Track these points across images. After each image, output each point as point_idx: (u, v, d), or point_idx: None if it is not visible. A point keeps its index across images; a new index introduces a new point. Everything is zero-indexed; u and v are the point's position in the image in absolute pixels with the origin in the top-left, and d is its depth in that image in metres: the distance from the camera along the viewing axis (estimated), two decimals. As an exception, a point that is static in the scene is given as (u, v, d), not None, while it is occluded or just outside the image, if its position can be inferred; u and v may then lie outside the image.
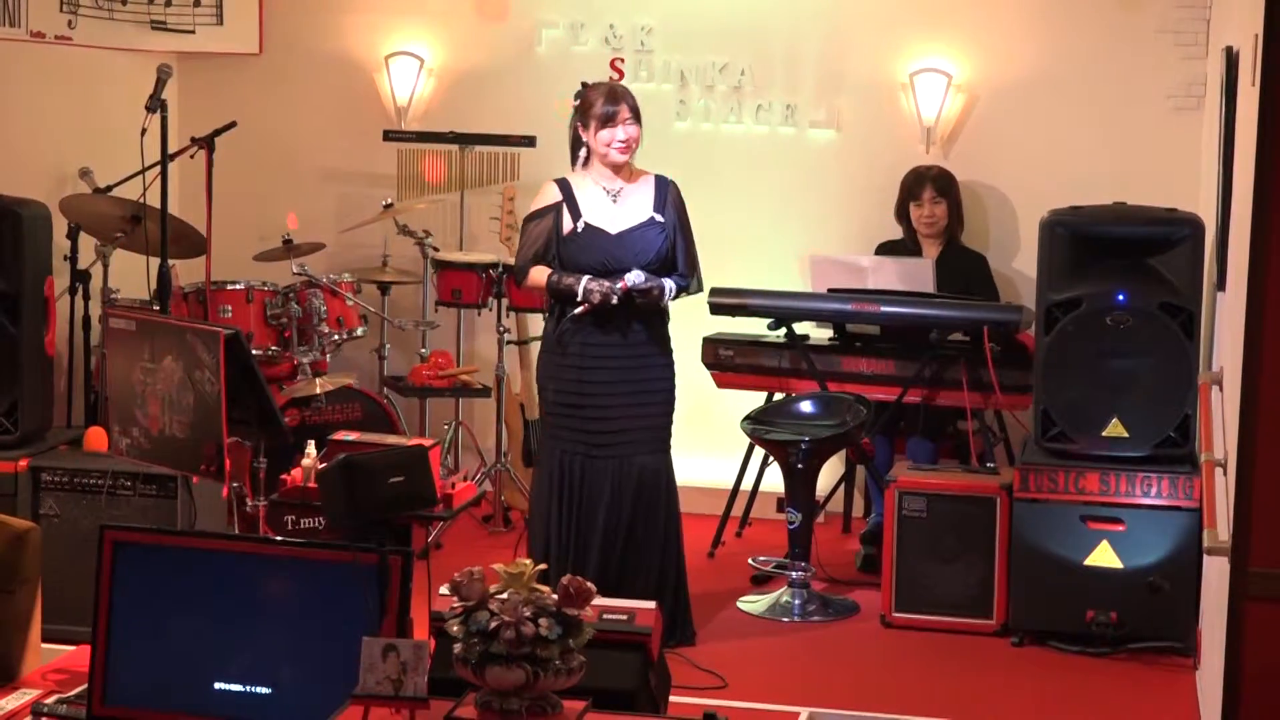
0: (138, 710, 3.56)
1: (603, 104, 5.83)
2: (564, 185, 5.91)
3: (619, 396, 5.85)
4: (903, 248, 7.33)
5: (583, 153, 5.91)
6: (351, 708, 3.27)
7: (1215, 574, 4.95)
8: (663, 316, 5.95)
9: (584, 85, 5.98)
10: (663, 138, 7.78)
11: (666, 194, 5.92)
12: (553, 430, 5.94)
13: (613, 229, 5.84)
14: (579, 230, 5.83)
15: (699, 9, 7.85)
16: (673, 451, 6.01)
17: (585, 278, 5.76)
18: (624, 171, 5.91)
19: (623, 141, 5.84)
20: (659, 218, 5.87)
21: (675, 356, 6.01)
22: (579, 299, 5.77)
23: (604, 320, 5.82)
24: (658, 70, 7.89)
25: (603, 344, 5.84)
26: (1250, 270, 3.78)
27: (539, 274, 5.87)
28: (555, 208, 5.86)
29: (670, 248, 5.89)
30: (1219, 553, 4.05)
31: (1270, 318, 3.77)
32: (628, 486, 5.84)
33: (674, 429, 6.02)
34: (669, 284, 5.84)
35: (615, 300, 5.74)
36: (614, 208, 5.87)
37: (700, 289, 6.08)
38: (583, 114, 5.88)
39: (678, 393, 6.01)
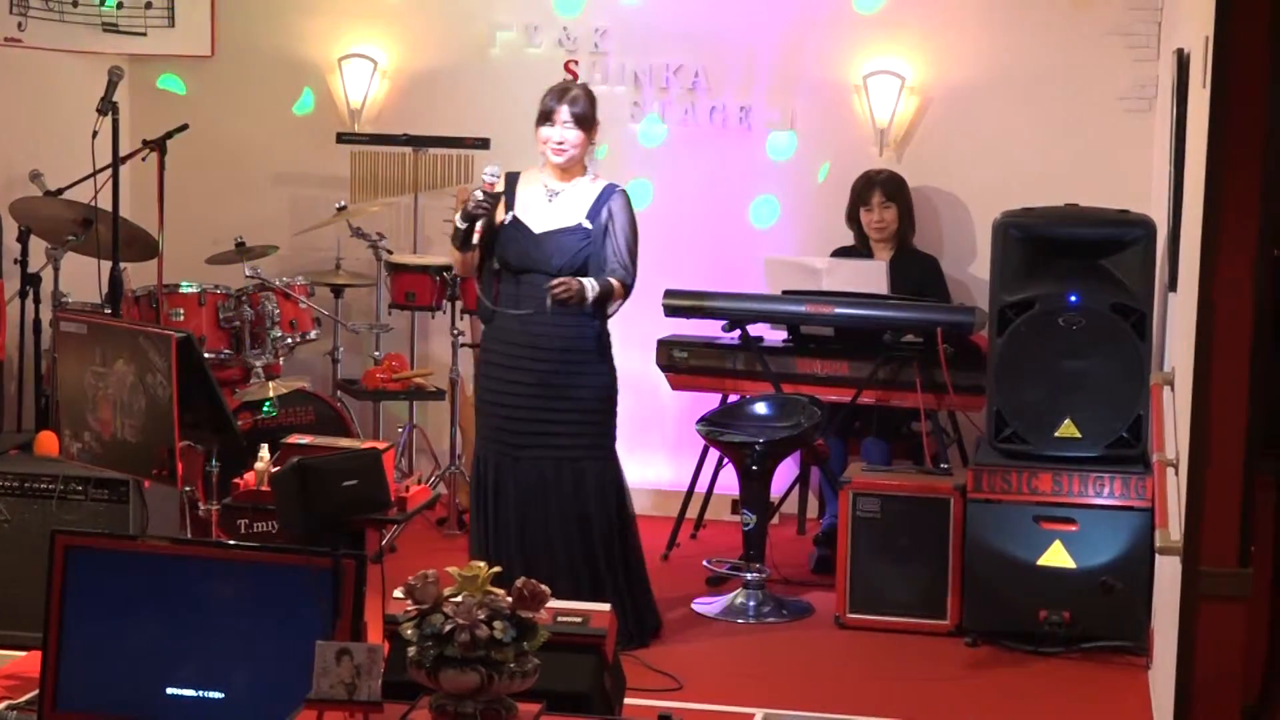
0: (89, 715, 3.53)
1: (546, 100, 5.82)
2: (512, 178, 5.90)
3: (543, 399, 5.79)
4: (855, 253, 7.34)
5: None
6: (305, 712, 3.26)
7: (1167, 573, 4.98)
8: (595, 319, 5.88)
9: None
10: (617, 140, 7.79)
11: (606, 202, 5.85)
12: (480, 428, 5.92)
13: (537, 228, 5.79)
14: (506, 222, 5.81)
15: (653, 11, 7.85)
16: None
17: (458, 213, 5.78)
18: (571, 175, 5.87)
19: (557, 143, 5.79)
20: (586, 224, 5.82)
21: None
22: (461, 224, 5.76)
23: (531, 322, 5.77)
24: (612, 72, 7.89)
25: (528, 345, 5.78)
26: (1201, 271, 3.81)
27: (451, 248, 5.91)
28: (498, 196, 5.84)
29: (598, 254, 5.79)
30: (1171, 552, 4.07)
31: (1221, 318, 3.79)
32: (560, 489, 5.79)
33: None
34: (589, 284, 5.75)
35: (482, 201, 5.69)
36: (547, 207, 5.83)
37: (625, 298, 5.95)
38: (538, 109, 5.87)
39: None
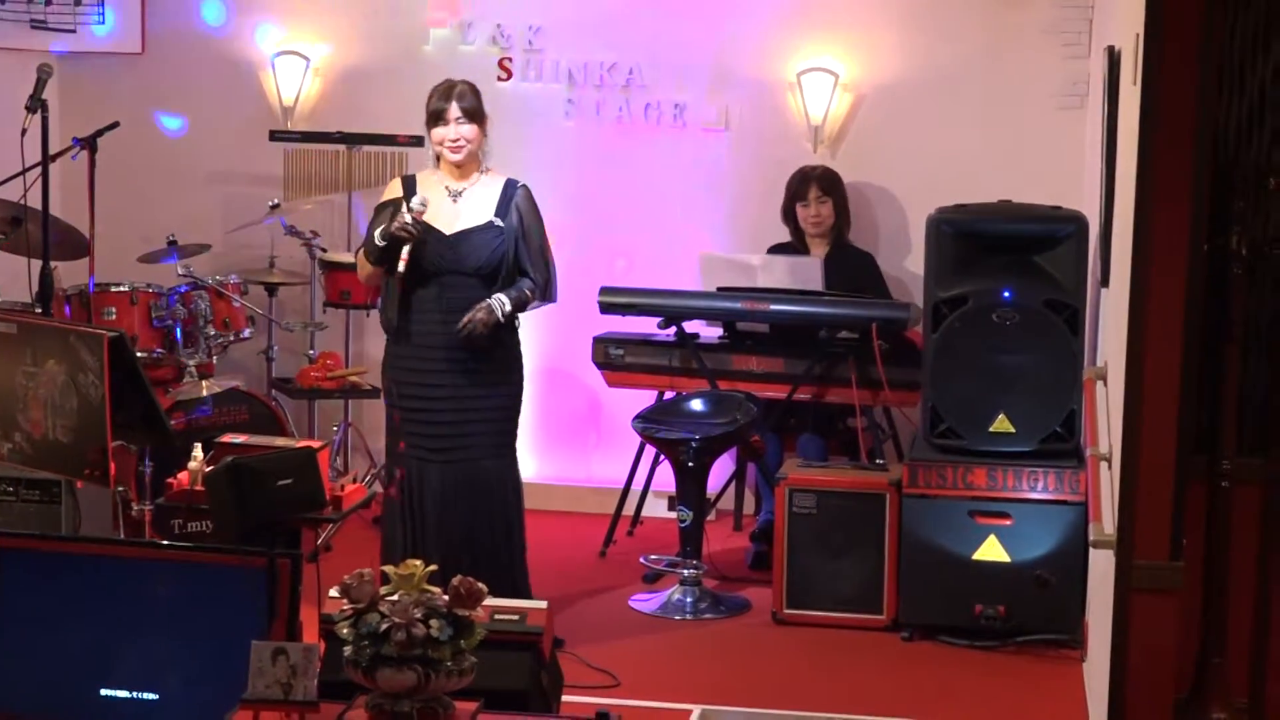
0: (21, 717, 3.50)
1: (435, 100, 5.77)
2: (408, 181, 5.84)
3: (456, 400, 5.76)
4: (791, 250, 7.36)
5: (429, 150, 5.87)
6: (241, 712, 3.25)
7: (1101, 567, 5.02)
8: (507, 326, 5.79)
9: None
10: (552, 137, 7.78)
11: (513, 197, 5.81)
12: (396, 430, 5.88)
13: (448, 229, 5.75)
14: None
15: (587, 8, 7.84)
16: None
17: (379, 229, 5.67)
18: (469, 172, 5.83)
19: (454, 140, 5.75)
20: (498, 221, 5.77)
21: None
22: (380, 245, 5.64)
23: (441, 324, 5.73)
24: (546, 69, 7.87)
25: (439, 347, 5.74)
26: (1133, 266, 3.84)
27: (359, 255, 5.80)
28: (395, 203, 5.77)
29: (511, 253, 5.77)
30: (1105, 546, 4.11)
31: (1152, 313, 3.83)
32: (465, 489, 5.77)
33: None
34: (497, 302, 5.69)
35: (410, 225, 5.57)
36: (453, 208, 5.78)
37: (552, 298, 5.92)
38: (426, 111, 5.82)
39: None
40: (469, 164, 5.79)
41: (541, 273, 5.82)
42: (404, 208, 5.62)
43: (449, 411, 5.74)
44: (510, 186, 5.81)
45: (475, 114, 5.75)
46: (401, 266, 5.61)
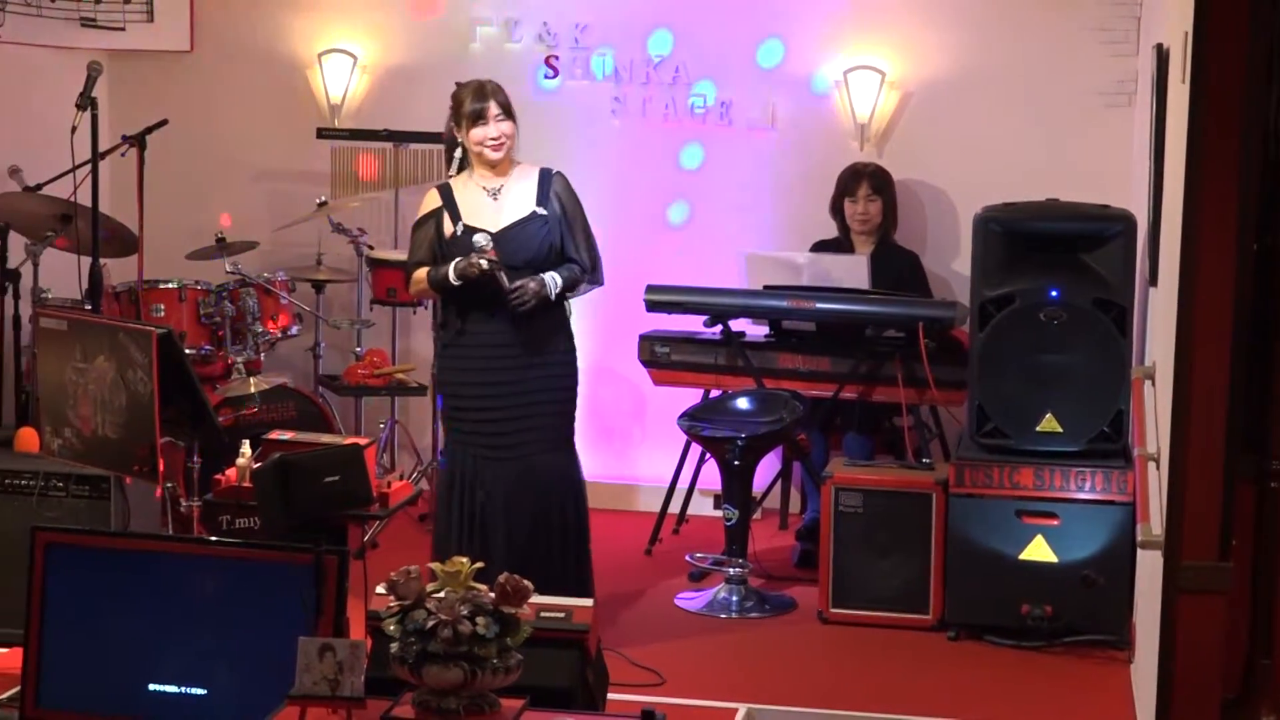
0: (71, 712, 3.53)
1: (471, 101, 5.77)
2: (444, 190, 5.86)
3: (515, 396, 5.78)
4: (836, 246, 7.35)
5: (457, 153, 5.87)
6: (288, 708, 3.26)
7: (1149, 567, 4.99)
8: (558, 312, 5.87)
9: (457, 85, 5.92)
10: (598, 135, 7.79)
11: (550, 186, 5.83)
12: (452, 430, 5.89)
13: (493, 228, 5.76)
14: (459, 233, 5.74)
15: (634, 6, 7.85)
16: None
17: (454, 261, 5.70)
18: (503, 168, 5.84)
19: (494, 139, 5.76)
20: (540, 211, 5.79)
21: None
22: (455, 281, 5.70)
23: (498, 319, 5.75)
24: (593, 67, 7.88)
25: (497, 344, 5.76)
26: (1181, 265, 3.82)
27: (419, 276, 5.83)
28: (436, 214, 5.78)
29: (559, 240, 5.80)
30: (1152, 546, 4.08)
31: (1201, 312, 3.80)
32: (528, 486, 5.78)
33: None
34: (549, 278, 5.74)
35: (483, 264, 5.64)
36: (494, 206, 5.80)
37: (599, 280, 5.94)
38: (455, 114, 5.82)
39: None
40: (505, 162, 5.81)
41: (588, 255, 5.85)
42: (473, 256, 5.64)
43: (505, 408, 5.76)
44: (546, 175, 5.84)
45: (510, 110, 5.79)
46: (509, 295, 5.66)
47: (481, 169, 5.80)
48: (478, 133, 5.75)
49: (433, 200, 5.85)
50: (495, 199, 5.78)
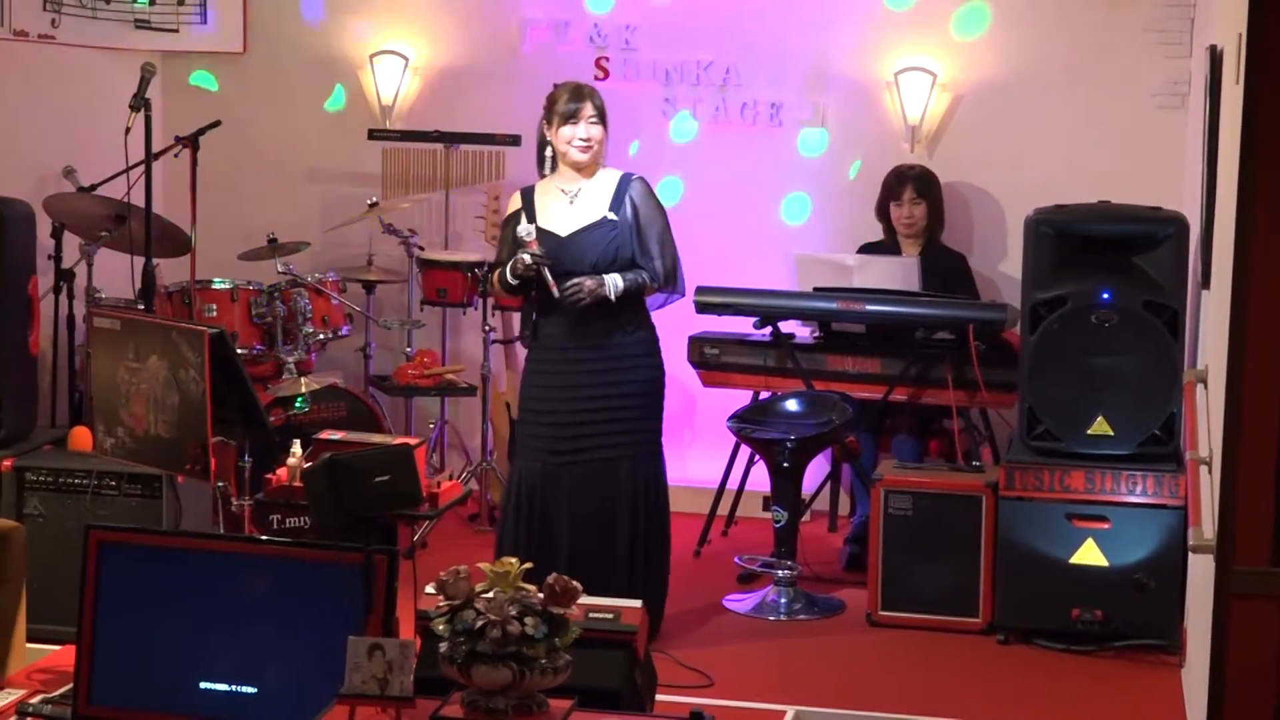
0: (123, 710, 3.54)
1: (566, 101, 5.81)
2: (526, 192, 5.90)
3: (594, 400, 5.81)
4: (883, 248, 7.33)
5: (548, 152, 5.89)
6: (337, 707, 3.27)
7: (1200, 571, 4.96)
8: (640, 318, 5.90)
9: (555, 85, 5.97)
10: (648, 136, 7.80)
11: (626, 191, 5.85)
12: (524, 434, 5.91)
13: (563, 231, 5.79)
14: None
15: (684, 7, 7.85)
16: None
17: (509, 269, 5.77)
18: (587, 172, 5.87)
19: (583, 140, 5.79)
20: (612, 216, 5.81)
21: (662, 356, 5.97)
22: (511, 279, 5.76)
23: (578, 325, 5.78)
24: (643, 69, 7.88)
25: (576, 348, 5.79)
26: (1234, 268, 3.79)
27: (494, 277, 5.89)
28: (516, 215, 5.85)
29: (627, 246, 5.81)
30: (1204, 550, 4.06)
31: (1254, 315, 3.77)
32: (592, 492, 5.79)
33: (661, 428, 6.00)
34: (610, 279, 5.76)
35: (526, 258, 5.67)
36: (569, 209, 5.83)
37: (677, 289, 5.96)
38: (548, 112, 5.87)
39: (666, 392, 5.98)
40: (590, 166, 5.83)
41: (662, 262, 5.85)
42: (520, 253, 5.70)
43: (573, 413, 5.78)
44: (625, 180, 5.86)
45: (604, 116, 5.81)
46: (555, 293, 5.71)
47: (565, 170, 5.84)
48: (567, 131, 5.78)
49: (515, 202, 5.91)
50: (571, 202, 5.81)
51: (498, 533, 6.02)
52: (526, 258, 5.68)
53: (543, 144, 5.91)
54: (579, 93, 5.84)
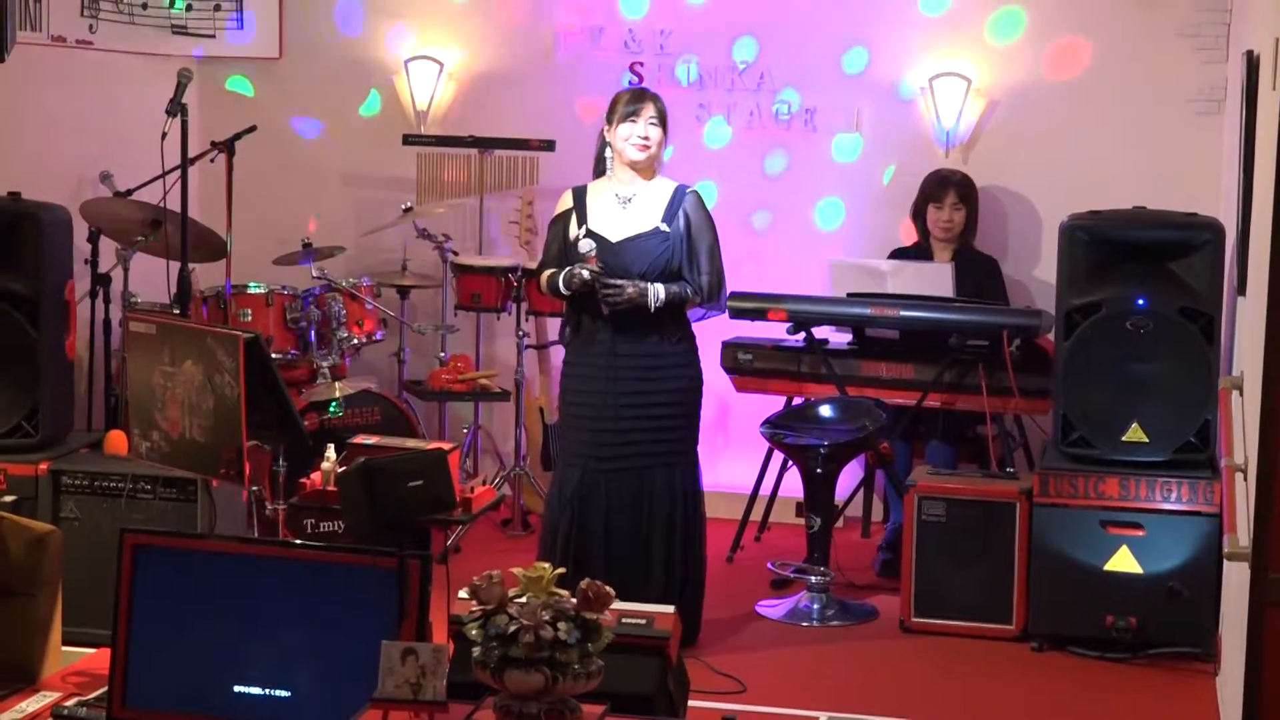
0: (157, 713, 3.56)
1: (628, 101, 5.85)
2: (579, 193, 5.92)
3: (634, 407, 5.82)
4: (916, 252, 7.32)
5: (608, 153, 5.91)
6: (371, 711, 3.28)
7: (1235, 579, 4.94)
8: (683, 326, 5.91)
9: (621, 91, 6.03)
10: (682, 141, 7.80)
11: (680, 203, 5.87)
12: (566, 439, 5.93)
13: (614, 237, 5.81)
14: (581, 237, 5.82)
15: (718, 13, 7.85)
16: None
17: (566, 270, 5.78)
18: (643, 175, 5.88)
19: (642, 138, 5.81)
20: (664, 227, 5.83)
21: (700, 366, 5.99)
22: (564, 290, 5.79)
23: (619, 330, 5.80)
24: (677, 74, 7.89)
25: (619, 353, 5.81)
26: (1271, 274, 3.78)
27: (543, 278, 5.90)
28: (566, 215, 5.87)
29: (677, 258, 5.83)
30: (1239, 558, 4.04)
31: (1291, 322, 3.76)
32: (645, 498, 5.81)
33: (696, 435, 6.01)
34: (652, 289, 5.77)
35: (584, 274, 5.70)
36: (621, 215, 5.84)
37: (720, 305, 5.97)
38: (609, 112, 5.89)
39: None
40: (645, 170, 5.84)
41: (708, 277, 5.87)
42: (577, 265, 5.75)
43: (615, 419, 5.79)
44: (680, 192, 5.88)
45: (665, 120, 5.83)
46: (605, 310, 5.76)
47: (620, 173, 5.84)
48: (625, 129, 5.80)
49: (565, 201, 5.92)
50: (624, 208, 5.83)
51: (541, 539, 6.03)
52: (585, 274, 5.70)
53: (602, 146, 5.94)
54: (642, 94, 5.89)
